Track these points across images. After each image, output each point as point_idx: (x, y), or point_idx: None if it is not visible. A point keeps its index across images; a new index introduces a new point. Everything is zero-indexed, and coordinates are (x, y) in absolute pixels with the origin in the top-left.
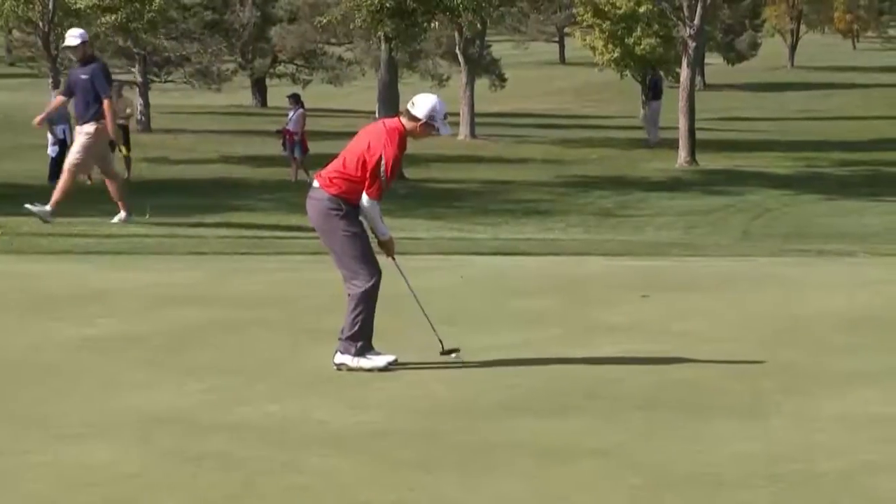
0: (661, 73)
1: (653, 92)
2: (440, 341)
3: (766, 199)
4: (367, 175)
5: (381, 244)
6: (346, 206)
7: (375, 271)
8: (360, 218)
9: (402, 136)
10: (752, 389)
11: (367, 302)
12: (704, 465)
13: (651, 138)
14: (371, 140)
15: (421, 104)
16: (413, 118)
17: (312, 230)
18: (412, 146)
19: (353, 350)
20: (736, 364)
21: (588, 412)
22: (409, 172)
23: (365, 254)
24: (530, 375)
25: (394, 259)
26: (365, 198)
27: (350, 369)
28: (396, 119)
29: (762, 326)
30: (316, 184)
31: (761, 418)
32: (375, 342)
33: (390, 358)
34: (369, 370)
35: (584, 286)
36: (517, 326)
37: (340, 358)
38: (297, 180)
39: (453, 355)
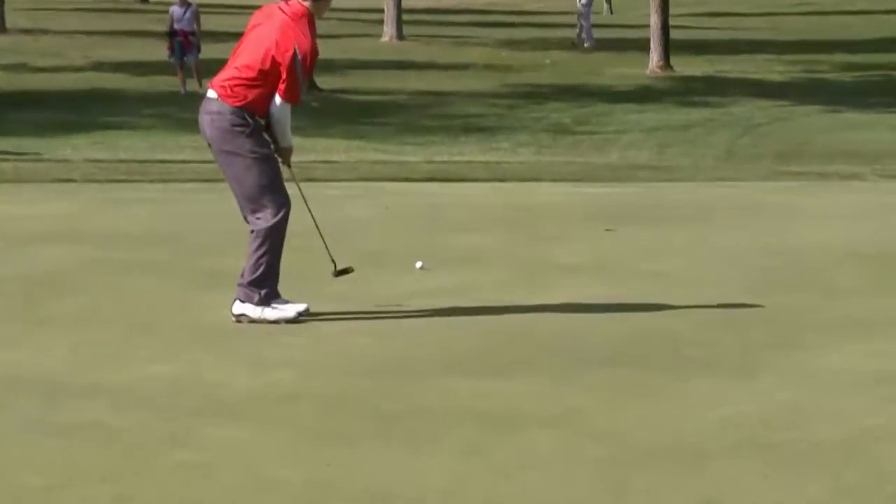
0: None
1: None
2: (332, 261)
3: (754, 112)
4: (283, 74)
5: (281, 150)
6: (253, 121)
7: (284, 202)
8: (266, 136)
9: (311, 20)
10: (739, 342)
11: (273, 239)
12: (682, 433)
13: (581, 39)
14: (275, 34)
15: None
16: None
17: (206, 152)
18: (325, 50)
19: (255, 298)
20: (718, 311)
21: (541, 371)
22: (324, 81)
23: (273, 181)
24: (471, 327)
25: (289, 166)
26: (278, 101)
27: (252, 321)
28: (295, 1)
29: (749, 266)
30: (212, 94)
31: (749, 376)
32: (283, 287)
33: (301, 307)
34: (275, 322)
35: (535, 218)
36: (455, 268)
37: (240, 307)
38: (188, 91)
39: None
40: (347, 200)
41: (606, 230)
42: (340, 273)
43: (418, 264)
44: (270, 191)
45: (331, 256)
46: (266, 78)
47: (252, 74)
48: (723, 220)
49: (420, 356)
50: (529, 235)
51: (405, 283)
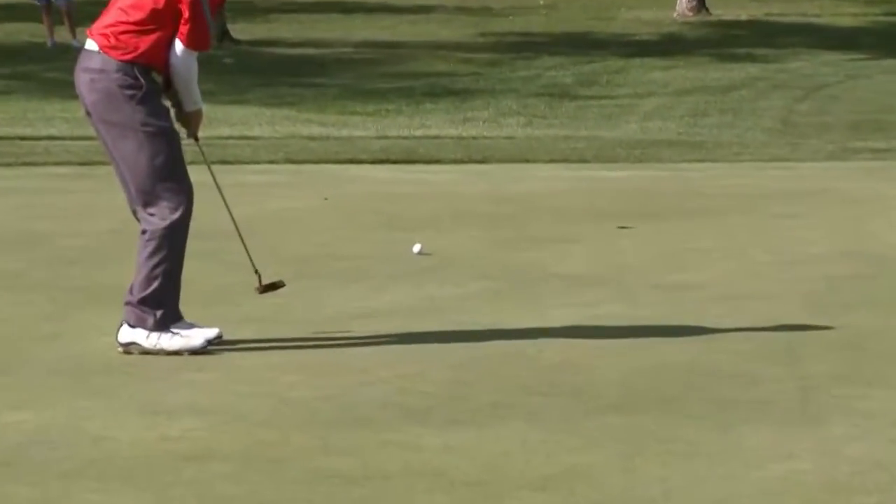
0: None
1: None
2: (256, 272)
3: (818, 69)
4: (185, 12)
5: (186, 116)
6: (147, 80)
7: (186, 193)
8: (164, 101)
9: None
10: (798, 377)
11: (171, 243)
12: (723, 501)
13: None
14: None
15: None
16: None
17: (84, 125)
18: None
19: (149, 321)
20: (770, 336)
21: (532, 417)
22: (240, 30)
23: (173, 164)
24: (437, 357)
25: (197, 140)
26: (180, 49)
27: (145, 352)
28: None
29: (812, 275)
30: (91, 45)
31: (812, 423)
32: (187, 307)
33: (211, 333)
34: (177, 353)
35: (524, 213)
36: (417, 279)
37: (129, 334)
38: (57, 43)
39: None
40: (274, 189)
41: (620, 228)
42: (267, 288)
43: (416, 248)
44: (169, 177)
45: (253, 266)
46: (161, 20)
47: (142, 16)
48: (775, 215)
49: (370, 399)
50: (517, 236)
51: (351, 299)
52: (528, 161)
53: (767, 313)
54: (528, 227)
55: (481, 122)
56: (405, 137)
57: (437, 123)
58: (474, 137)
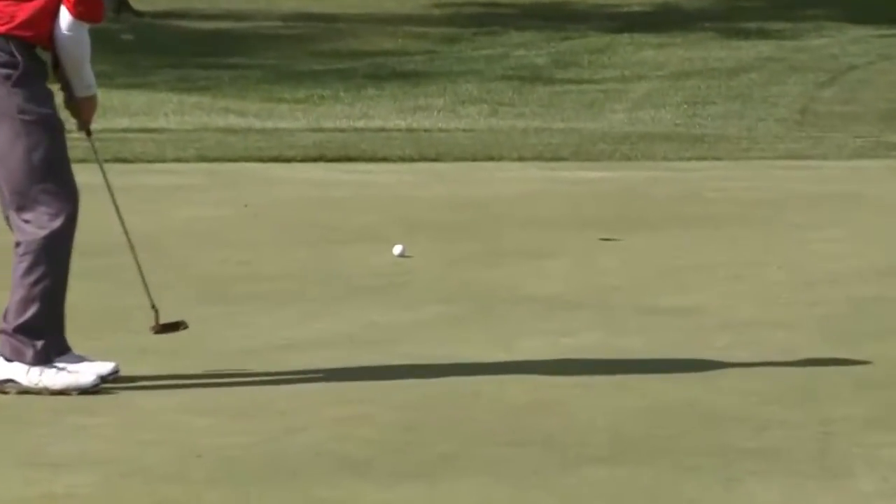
0: None
1: None
2: (153, 307)
3: (845, 47)
4: None
5: (76, 103)
6: (25, 58)
7: (70, 197)
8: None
9: None
10: (816, 421)
11: (52, 257)
12: None
13: None
14: None
15: None
16: None
17: None
18: None
19: (28, 354)
20: (785, 371)
21: (495, 469)
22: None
23: (55, 161)
24: (381, 397)
25: (89, 133)
26: (67, 21)
27: (24, 391)
28: None
29: (835, 297)
30: None
31: (837, 477)
32: (74, 336)
33: (105, 368)
34: (62, 392)
35: (488, 221)
36: (358, 302)
37: (4, 370)
38: None
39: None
40: (180, 194)
41: (604, 240)
42: (165, 329)
43: (397, 249)
44: (49, 176)
45: (150, 297)
46: None
47: None
48: (792, 224)
49: (300, 447)
50: (480, 250)
51: (277, 327)
52: (492, 159)
53: (781, 344)
54: (493, 239)
55: (436, 112)
56: (343, 130)
57: (382, 113)
58: (427, 130)
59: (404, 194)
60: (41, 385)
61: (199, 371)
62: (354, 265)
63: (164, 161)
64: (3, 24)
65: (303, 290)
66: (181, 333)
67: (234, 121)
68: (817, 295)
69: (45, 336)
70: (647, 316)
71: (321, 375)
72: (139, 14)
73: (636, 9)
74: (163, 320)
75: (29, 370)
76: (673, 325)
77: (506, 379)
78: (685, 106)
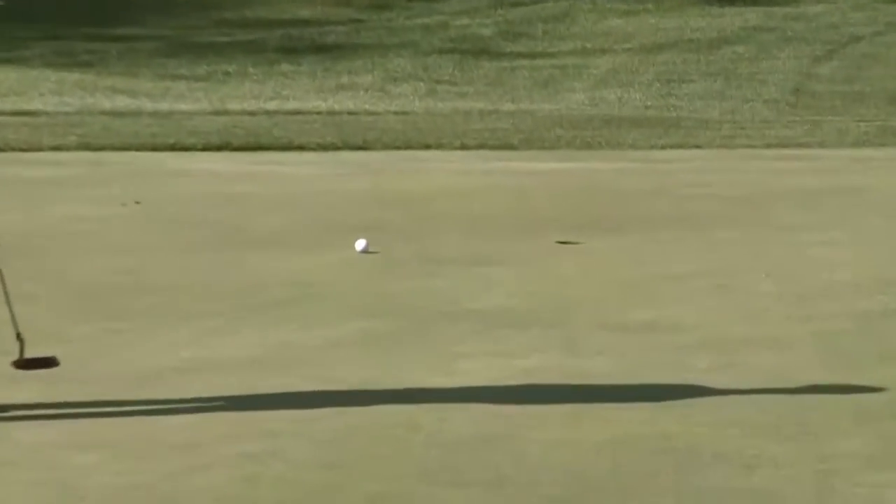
0: None
1: None
2: (18, 336)
3: (846, 15)
4: None
5: None
6: None
7: None
8: None
9: None
10: (812, 457)
11: None
12: None
13: None
14: None
15: None
16: None
17: None
18: None
19: None
20: (774, 399)
21: None
22: None
23: None
24: (296, 429)
25: None
26: None
27: None
28: None
29: (832, 312)
30: None
31: None
32: None
33: None
34: None
35: (423, 222)
36: (267, 317)
37: None
38: None
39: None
40: (59, 189)
41: (560, 244)
42: (29, 365)
43: (360, 245)
44: None
45: (14, 324)
46: None
47: None
48: (784, 226)
49: (201, 488)
50: (413, 255)
51: (172, 347)
52: (429, 147)
53: (771, 367)
54: (429, 242)
55: (362, 92)
56: (252, 113)
57: (298, 93)
58: (352, 113)
59: (324, 189)
60: None
61: (82, 399)
62: (264, 274)
63: (39, 150)
64: None
65: (202, 304)
66: (61, 355)
67: (122, 102)
68: (813, 309)
69: None
70: (612, 333)
71: (224, 404)
72: None
73: None
74: (30, 353)
75: None
76: (643, 345)
77: (445, 408)
78: (658, 84)
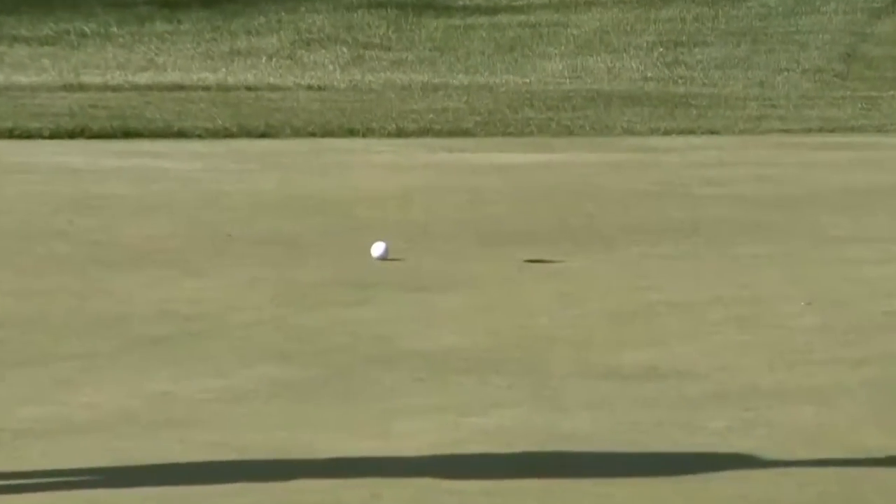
0: None
1: None
2: None
3: None
4: None
5: None
6: None
7: None
8: None
9: None
10: None
11: None
12: None
13: None
14: None
15: None
16: None
17: None
18: None
19: None
20: (820, 473)
21: None
22: None
23: None
24: None
25: None
26: None
27: None
28: None
29: (891, 350)
30: None
31: None
32: None
33: None
34: None
35: (345, 231)
36: (136, 359)
37: None
38: None
39: None
40: None
41: (529, 262)
42: None
43: (378, 250)
44: None
45: None
46: None
47: None
48: (828, 236)
49: None
50: (335, 277)
51: (7, 402)
52: (354, 133)
53: (812, 427)
54: (355, 261)
55: (265, 59)
56: (116, 88)
57: (179, 61)
58: (252, 88)
59: (213, 189)
60: None
61: None
62: (134, 302)
63: None
64: None
65: (51, 344)
66: None
67: None
68: (867, 349)
69: None
70: (599, 382)
71: (77, 479)
72: None
73: None
74: None
75: None
76: (640, 397)
77: (377, 483)
78: (661, 49)
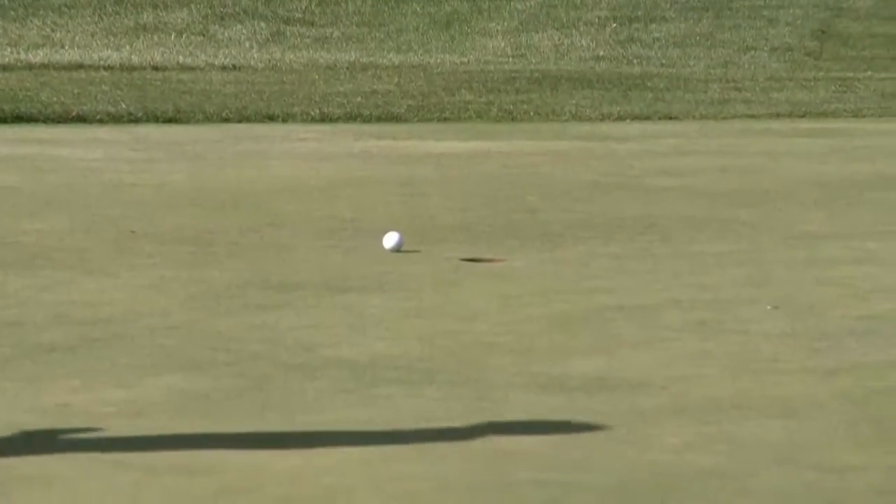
0: None
1: None
2: None
3: None
4: None
5: None
6: None
7: None
8: None
9: None
10: None
11: None
12: None
13: None
14: None
15: None
16: None
17: None
18: None
19: None
20: (787, 487)
21: None
22: None
23: None
24: None
25: None
26: None
27: None
28: None
29: (869, 361)
30: None
31: None
32: None
33: None
34: None
35: (262, 228)
36: (28, 369)
37: None
38: None
39: None
40: None
41: (467, 261)
42: None
43: (391, 241)
44: None
45: None
46: None
47: None
48: (798, 232)
49: None
50: (251, 277)
51: None
52: (273, 118)
53: (779, 443)
54: (273, 260)
55: (174, 36)
56: (7, 67)
57: (78, 38)
58: (158, 68)
59: (116, 181)
60: None
61: None
62: (28, 307)
63: None
64: None
65: None
66: None
67: None
68: (840, 357)
69: None
70: (542, 394)
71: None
72: None
73: None
74: None
75: None
76: (587, 410)
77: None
78: (614, 25)
